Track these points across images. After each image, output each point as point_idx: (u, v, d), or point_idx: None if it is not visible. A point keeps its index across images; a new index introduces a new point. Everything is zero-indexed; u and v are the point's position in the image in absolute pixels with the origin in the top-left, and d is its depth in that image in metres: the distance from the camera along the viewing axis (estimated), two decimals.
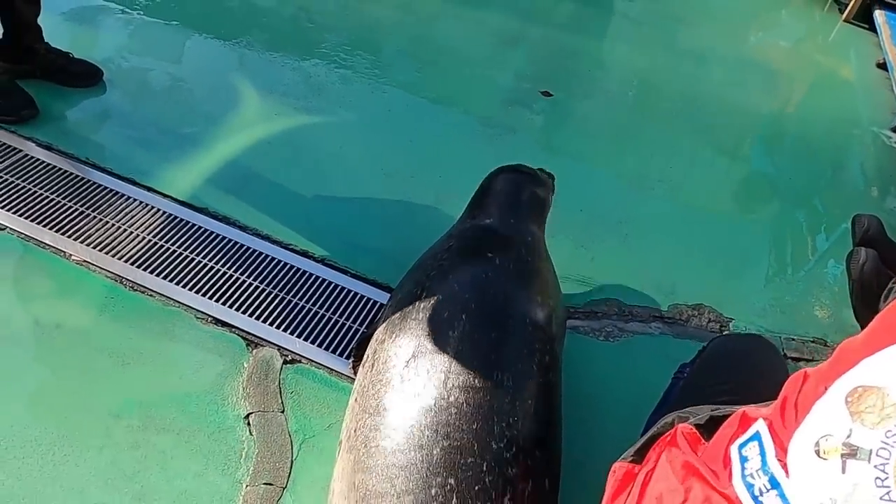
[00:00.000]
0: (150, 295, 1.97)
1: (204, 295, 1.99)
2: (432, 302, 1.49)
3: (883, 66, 4.16)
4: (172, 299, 1.96)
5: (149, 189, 2.30)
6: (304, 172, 2.51)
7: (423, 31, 3.57)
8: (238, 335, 1.92)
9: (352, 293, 2.11)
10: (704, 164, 3.12)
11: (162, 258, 2.07)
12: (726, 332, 2.24)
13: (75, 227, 2.10)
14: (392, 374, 1.39)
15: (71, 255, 2.02)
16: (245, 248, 2.17)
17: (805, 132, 3.48)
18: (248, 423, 1.72)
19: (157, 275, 2.02)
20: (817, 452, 0.70)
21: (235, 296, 2.01)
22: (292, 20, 3.39)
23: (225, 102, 2.74)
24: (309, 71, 3.05)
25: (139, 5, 3.20)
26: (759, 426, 0.79)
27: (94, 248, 2.05)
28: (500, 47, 3.59)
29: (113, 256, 2.04)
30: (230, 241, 2.18)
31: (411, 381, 1.36)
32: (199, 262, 2.09)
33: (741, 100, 3.64)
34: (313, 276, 2.13)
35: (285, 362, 1.89)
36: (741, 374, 1.45)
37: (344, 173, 2.55)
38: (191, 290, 2.00)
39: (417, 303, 1.50)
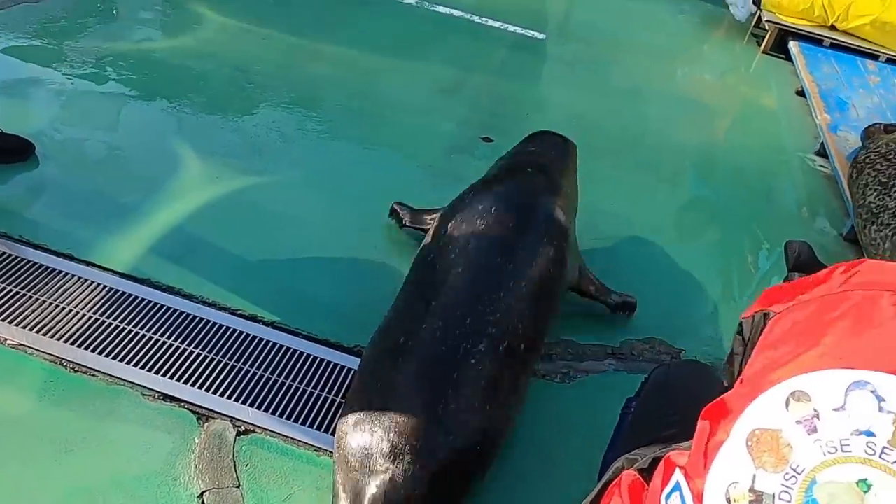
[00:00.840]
0: (93, 375, 1.89)
1: (150, 370, 1.93)
2: (480, 194, 2.23)
3: (801, 93, 4.41)
4: (117, 377, 1.90)
5: (88, 263, 2.23)
6: (249, 235, 2.48)
7: (364, 85, 3.62)
8: (187, 409, 1.86)
9: (304, 356, 2.08)
10: (647, 197, 3.22)
11: (104, 335, 2.00)
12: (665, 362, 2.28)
13: (10, 310, 2.02)
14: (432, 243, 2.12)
15: (6, 339, 1.94)
16: (191, 317, 2.12)
17: (737, 160, 3.64)
18: (203, 503, 1.66)
19: (100, 353, 1.95)
20: (728, 500, 0.71)
21: (183, 368, 1.96)
22: (230, 81, 3.39)
23: (164, 168, 2.71)
24: (250, 131, 3.05)
25: (71, 75, 3.17)
26: (678, 476, 0.80)
27: (31, 329, 1.97)
28: (441, 97, 3.66)
29: (52, 337, 1.96)
30: (176, 311, 2.13)
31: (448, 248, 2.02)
32: (144, 335, 2.03)
33: (675, 133, 3.79)
34: (264, 341, 2.10)
35: (239, 434, 1.83)
36: (682, 404, 1.47)
37: (290, 233, 2.54)
38: (136, 366, 1.94)
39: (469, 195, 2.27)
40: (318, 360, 2.07)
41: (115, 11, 3.91)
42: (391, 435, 1.57)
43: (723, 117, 4.26)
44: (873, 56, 4.79)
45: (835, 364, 0.82)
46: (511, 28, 4.55)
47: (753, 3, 4.97)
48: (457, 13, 4.60)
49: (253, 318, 2.17)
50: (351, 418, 1.63)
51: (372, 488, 1.53)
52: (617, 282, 2.60)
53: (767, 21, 4.90)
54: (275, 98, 3.35)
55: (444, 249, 2.02)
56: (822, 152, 3.76)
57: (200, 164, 2.77)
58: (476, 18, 4.58)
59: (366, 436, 1.58)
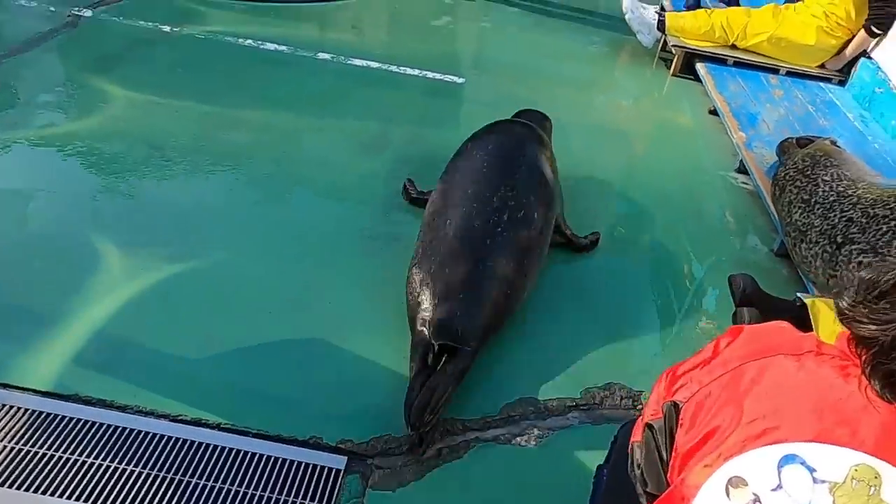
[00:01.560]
0: None
1: (85, 500, 1.76)
2: (476, 142, 2.99)
3: (714, 112, 4.58)
4: None
5: (3, 386, 2.04)
6: (182, 329, 2.33)
7: (288, 148, 3.52)
8: None
9: (258, 456, 1.94)
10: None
11: (28, 466, 1.82)
12: (630, 418, 2.25)
13: None
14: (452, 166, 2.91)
15: None
16: (127, 431, 1.95)
17: (663, 184, 3.72)
18: None
19: (24, 488, 1.76)
20: None
21: (123, 492, 1.79)
22: (145, 161, 3.23)
23: (80, 267, 2.53)
24: (173, 213, 2.90)
25: None
26: None
27: None
28: (368, 153, 3.60)
29: None
30: (109, 427, 1.96)
31: (464, 165, 2.83)
32: (74, 460, 1.85)
33: (599, 160, 3.84)
34: (212, 447, 1.95)
35: None
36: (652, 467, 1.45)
37: (226, 321, 2.40)
38: (67, 497, 1.76)
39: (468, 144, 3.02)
40: (273, 458, 1.94)
41: (13, 95, 3.69)
42: (446, 280, 2.29)
43: (644, 142, 4.37)
44: (774, 70, 5.04)
45: (760, 442, 0.84)
46: (430, 75, 4.55)
47: (658, 29, 5.17)
48: (374, 65, 4.58)
49: (197, 423, 2.02)
50: (416, 273, 2.38)
51: (434, 316, 2.21)
52: (565, 332, 2.58)
53: (673, 46, 5.10)
54: (196, 173, 3.21)
55: (465, 165, 2.82)
56: (743, 169, 3.90)
57: (121, 258, 2.60)
58: (394, 68, 4.56)
59: (427, 282, 2.30)
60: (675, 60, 5.16)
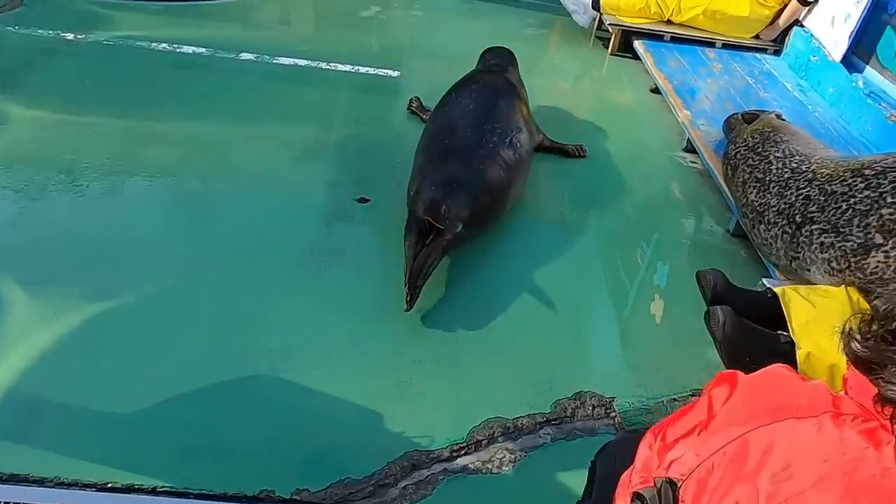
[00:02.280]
0: None
1: None
2: (461, 85, 3.42)
3: (656, 90, 4.51)
4: None
5: None
6: (106, 380, 2.08)
7: (214, 162, 3.24)
8: None
9: None
10: (529, 223, 3.08)
11: None
12: (605, 433, 2.13)
13: None
14: (441, 105, 3.32)
15: None
16: None
17: (612, 168, 3.62)
18: None
19: None
20: None
21: None
22: (56, 187, 2.92)
23: None
24: (90, 245, 2.61)
25: None
26: None
27: None
28: (304, 160, 3.36)
29: None
30: None
31: (451, 106, 3.23)
32: None
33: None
34: None
35: None
36: None
37: (156, 365, 2.15)
38: None
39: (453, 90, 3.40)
40: None
41: None
42: (441, 171, 2.74)
43: (588, 125, 4.24)
44: (710, 44, 5.00)
45: None
46: (363, 70, 4.33)
47: (593, 8, 5.06)
48: (302, 62, 4.32)
49: (129, 489, 1.79)
50: (417, 166, 2.91)
51: (427, 196, 2.60)
52: (527, 345, 2.43)
53: (610, 24, 5.00)
54: (113, 196, 2.92)
55: (452, 101, 3.26)
56: (690, 148, 3.83)
57: (30, 300, 2.32)
58: (323, 65, 4.31)
59: (425, 172, 2.79)
60: (612, 39, 5.07)
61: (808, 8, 4.72)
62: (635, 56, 5.00)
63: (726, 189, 3.20)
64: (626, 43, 5.09)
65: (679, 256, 3.01)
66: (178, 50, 4.27)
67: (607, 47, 5.15)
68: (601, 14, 5.08)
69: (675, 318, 2.64)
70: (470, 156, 2.80)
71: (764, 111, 3.65)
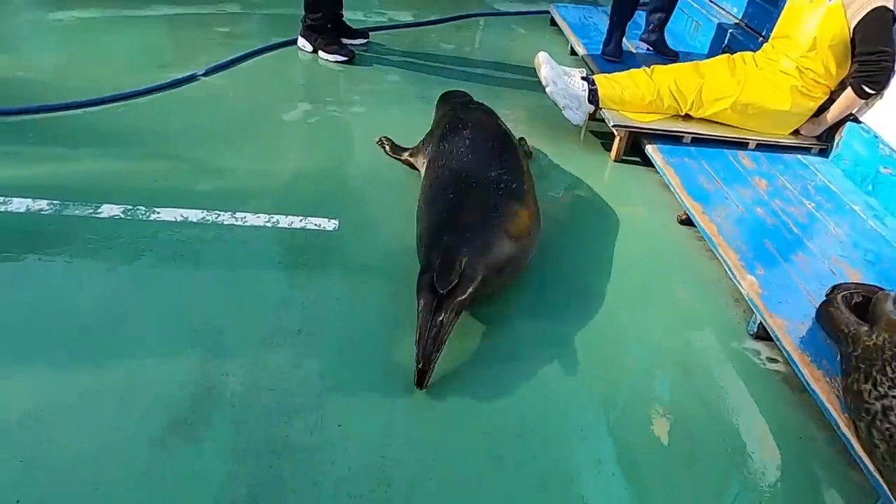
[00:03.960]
0: None
1: None
2: (457, 128, 3.19)
3: (687, 221, 3.36)
4: None
5: None
6: None
7: (21, 460, 1.88)
8: None
9: None
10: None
11: None
12: None
13: None
14: (442, 154, 3.01)
15: None
16: None
17: (638, 379, 2.41)
18: None
19: None
20: None
21: None
22: None
23: None
24: None
25: None
26: None
27: None
28: (172, 440, 2.02)
29: None
30: None
31: (453, 154, 2.96)
32: None
33: None
34: None
35: None
36: None
37: None
38: None
39: (448, 126, 3.26)
40: None
41: None
42: (459, 233, 2.47)
43: (595, 280, 3.05)
44: (741, 144, 3.91)
45: None
46: (284, 222, 3.01)
47: (590, 102, 3.89)
48: (193, 215, 2.97)
49: None
50: (426, 229, 2.60)
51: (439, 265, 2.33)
52: None
53: (615, 126, 3.83)
54: None
55: (448, 150, 3.00)
56: (763, 334, 2.67)
57: None
58: (226, 218, 2.98)
59: (441, 235, 2.48)
60: (616, 143, 3.91)
61: (865, 101, 3.66)
62: (644, 159, 3.87)
63: (859, 448, 2.04)
64: (632, 142, 3.94)
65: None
66: (5, 206, 2.88)
67: (609, 150, 3.99)
68: (599, 110, 3.93)
69: None
70: (484, 205, 2.61)
71: (871, 288, 2.53)
